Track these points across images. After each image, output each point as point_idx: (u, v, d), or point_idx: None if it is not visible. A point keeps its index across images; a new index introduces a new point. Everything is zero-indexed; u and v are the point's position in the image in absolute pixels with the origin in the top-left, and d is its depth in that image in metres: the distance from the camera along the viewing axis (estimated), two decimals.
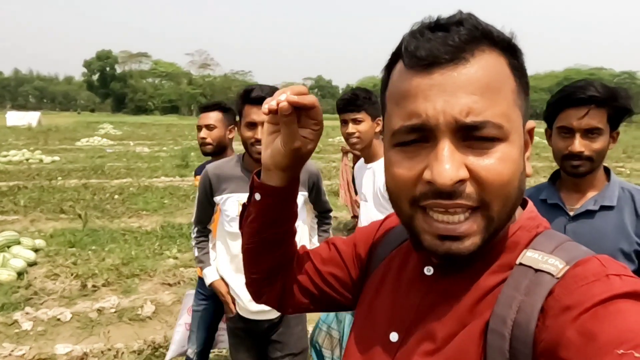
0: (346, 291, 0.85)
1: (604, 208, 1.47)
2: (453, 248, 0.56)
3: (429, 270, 0.67)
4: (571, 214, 1.52)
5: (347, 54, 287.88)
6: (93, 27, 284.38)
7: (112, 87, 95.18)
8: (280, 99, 0.66)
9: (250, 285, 0.90)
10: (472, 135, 0.54)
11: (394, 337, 0.67)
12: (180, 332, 2.66)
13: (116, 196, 8.78)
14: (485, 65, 0.55)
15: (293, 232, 0.85)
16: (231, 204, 1.98)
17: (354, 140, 2.18)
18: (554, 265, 0.55)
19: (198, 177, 2.45)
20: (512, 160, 0.56)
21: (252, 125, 1.87)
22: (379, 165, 2.20)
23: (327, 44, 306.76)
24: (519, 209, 0.66)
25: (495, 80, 0.55)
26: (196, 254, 2.18)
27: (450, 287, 0.63)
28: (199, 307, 2.52)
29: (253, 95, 1.83)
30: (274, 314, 2.03)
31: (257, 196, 0.77)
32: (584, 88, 1.43)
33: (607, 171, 1.55)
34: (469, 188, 0.54)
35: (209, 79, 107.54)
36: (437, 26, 0.56)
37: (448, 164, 0.53)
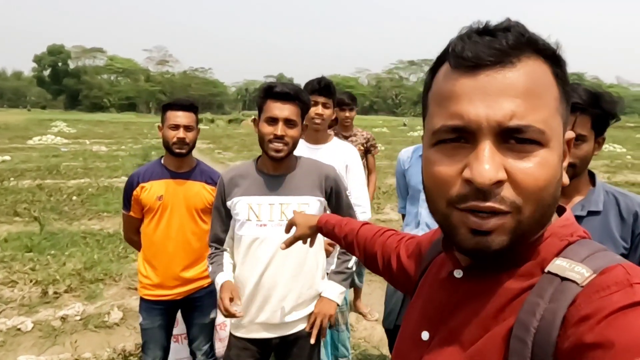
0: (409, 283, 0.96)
1: (591, 213, 1.48)
2: (480, 242, 0.57)
3: (458, 273, 0.69)
4: None
5: (309, 52, 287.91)
6: (43, 19, 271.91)
7: (65, 83, 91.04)
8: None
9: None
10: (513, 138, 0.55)
11: (425, 335, 0.70)
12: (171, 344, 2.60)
13: (74, 197, 8.42)
14: (529, 70, 0.56)
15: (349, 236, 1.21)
16: (242, 207, 1.89)
17: (319, 121, 2.53)
18: (580, 273, 0.55)
19: (144, 185, 2.36)
20: (550, 166, 0.57)
21: (273, 121, 1.81)
22: (324, 148, 2.57)
23: (289, 41, 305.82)
24: (555, 216, 0.66)
25: (539, 86, 0.56)
26: (210, 270, 2.01)
27: (476, 290, 0.65)
28: (154, 323, 2.43)
29: (277, 89, 1.81)
30: (283, 329, 1.93)
31: None
32: None
33: (591, 175, 1.57)
34: (505, 190, 0.55)
35: (168, 75, 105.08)
36: (484, 31, 0.58)
37: (488, 164, 0.54)
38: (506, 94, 0.55)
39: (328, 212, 2.02)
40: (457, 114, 0.57)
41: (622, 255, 1.44)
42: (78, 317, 3.88)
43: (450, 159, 0.58)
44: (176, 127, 2.30)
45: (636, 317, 0.47)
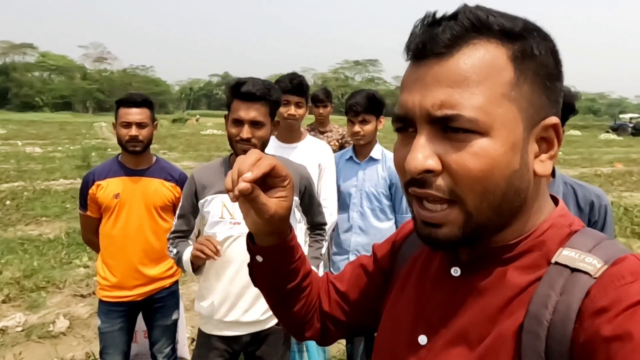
0: (377, 304, 0.84)
1: None
2: (432, 234, 0.59)
3: (455, 271, 0.66)
4: None
5: (254, 50, 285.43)
6: None
7: None
8: (239, 187, 0.66)
9: (291, 330, 0.92)
10: (449, 127, 0.55)
11: (422, 339, 0.66)
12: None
13: (8, 202, 7.85)
14: (469, 59, 0.55)
15: (310, 273, 0.87)
16: (215, 205, 1.83)
17: (291, 121, 2.44)
18: (592, 264, 0.54)
19: (100, 183, 2.27)
20: (488, 155, 0.54)
21: (239, 123, 1.74)
22: (297, 147, 2.48)
23: (233, 40, 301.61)
24: (551, 207, 0.65)
25: (477, 73, 0.55)
26: (173, 254, 1.89)
27: (479, 286, 0.62)
28: (114, 326, 2.32)
29: (243, 90, 1.71)
30: (255, 327, 1.89)
31: (259, 258, 0.79)
32: None
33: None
34: (440, 180, 0.56)
35: (107, 73, 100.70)
36: (432, 21, 0.58)
37: (419, 153, 0.55)
38: (438, 83, 0.55)
39: (297, 213, 1.99)
40: (401, 103, 0.59)
41: None
42: (20, 328, 3.63)
43: (404, 147, 0.60)
44: (128, 124, 2.21)
45: None
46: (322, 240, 2.08)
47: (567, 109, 1.53)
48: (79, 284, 4.53)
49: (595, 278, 0.53)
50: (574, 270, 0.55)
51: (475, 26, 0.56)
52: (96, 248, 2.42)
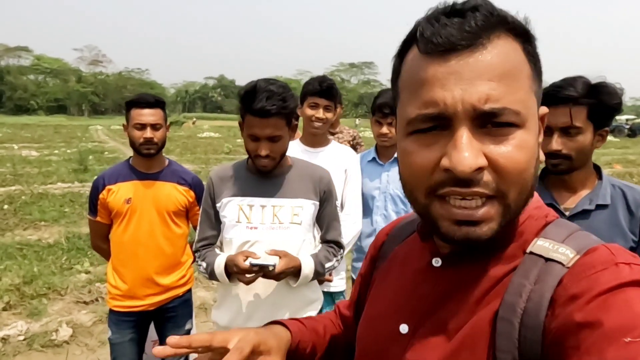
0: None
1: (599, 207, 1.48)
2: (471, 233, 0.56)
3: (437, 262, 0.67)
4: (567, 214, 1.51)
5: (250, 53, 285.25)
6: None
7: None
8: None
9: None
10: (490, 122, 0.54)
11: (404, 328, 0.68)
12: None
13: (5, 206, 7.72)
14: (501, 51, 0.55)
15: (326, 336, 0.91)
16: (231, 208, 1.75)
17: (319, 124, 2.28)
18: (565, 254, 0.56)
19: (110, 188, 2.18)
20: (529, 147, 0.56)
21: (255, 139, 1.66)
22: (322, 152, 2.33)
23: (229, 42, 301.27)
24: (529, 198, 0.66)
25: (512, 67, 0.55)
26: (203, 267, 1.78)
27: (460, 277, 0.64)
28: (125, 337, 2.22)
29: (256, 107, 1.59)
30: None
31: None
32: (561, 87, 1.45)
33: (597, 169, 1.57)
34: (487, 176, 0.54)
35: (101, 77, 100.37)
36: (452, 11, 0.56)
37: (467, 151, 0.53)
38: (479, 77, 0.53)
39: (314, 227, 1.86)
40: (432, 101, 0.55)
41: (631, 248, 1.44)
42: (21, 337, 3.52)
43: (428, 148, 0.57)
44: (142, 126, 2.13)
45: (624, 298, 0.49)
46: (333, 254, 1.85)
47: (607, 107, 1.45)
48: (80, 290, 4.42)
49: (567, 267, 0.55)
50: (547, 260, 0.57)
51: (497, 19, 0.55)
52: (106, 255, 2.33)
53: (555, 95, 1.45)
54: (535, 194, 0.66)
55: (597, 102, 1.43)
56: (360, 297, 0.90)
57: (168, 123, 2.28)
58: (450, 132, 0.55)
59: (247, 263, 1.60)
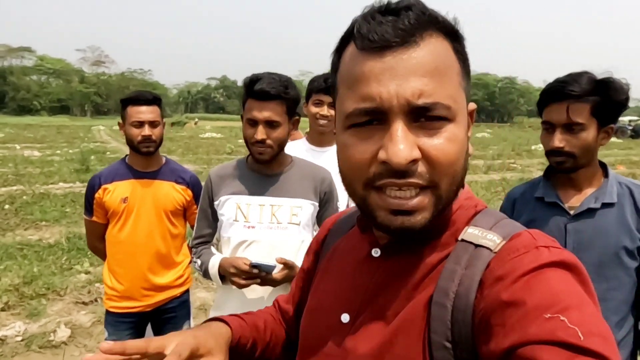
0: None
1: (605, 205, 1.44)
2: (405, 222, 0.58)
3: (376, 252, 0.70)
4: (572, 212, 1.48)
5: (252, 54, 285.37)
6: None
7: None
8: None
9: None
10: (423, 116, 0.57)
11: (345, 318, 0.70)
12: None
13: (7, 206, 7.71)
14: (433, 49, 0.58)
15: (266, 333, 0.90)
16: (229, 206, 1.72)
17: (324, 122, 2.22)
18: (492, 240, 0.60)
19: (107, 187, 2.15)
20: (459, 140, 0.59)
21: (253, 123, 1.64)
22: (329, 151, 2.25)
23: (232, 43, 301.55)
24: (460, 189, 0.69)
25: (443, 64, 0.58)
26: (198, 265, 1.77)
27: (397, 266, 0.67)
28: (122, 339, 2.17)
29: (257, 88, 1.60)
30: None
31: None
32: (565, 82, 1.42)
33: (603, 166, 1.54)
34: (421, 167, 0.57)
35: (104, 77, 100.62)
36: (387, 10, 0.58)
37: (402, 144, 0.55)
38: (413, 73, 0.56)
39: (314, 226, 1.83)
40: (369, 96, 0.57)
41: (638, 248, 1.41)
42: (19, 338, 3.49)
43: (365, 141, 0.59)
44: (140, 124, 2.09)
45: (544, 279, 0.53)
46: None
47: (612, 104, 1.41)
48: (80, 290, 4.40)
49: (495, 252, 0.59)
50: (477, 246, 0.61)
51: (429, 19, 0.58)
52: (102, 255, 2.30)
53: (557, 92, 1.42)
54: (467, 185, 0.70)
55: (601, 98, 1.39)
56: (302, 291, 0.92)
57: (165, 122, 2.24)
58: (386, 126, 0.57)
59: (248, 262, 1.56)
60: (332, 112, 2.22)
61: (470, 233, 0.63)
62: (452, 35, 0.61)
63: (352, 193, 0.64)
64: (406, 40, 0.56)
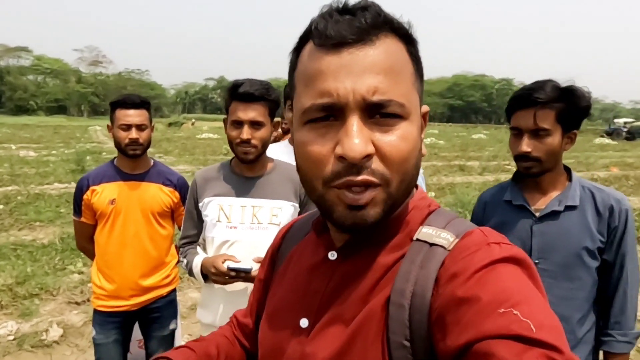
0: None
1: (568, 208, 1.51)
2: (358, 217, 0.59)
3: (332, 255, 0.71)
4: (537, 214, 1.54)
5: (252, 55, 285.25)
6: None
7: None
8: None
9: None
10: (378, 113, 0.58)
11: (304, 323, 0.70)
12: None
13: (1, 206, 7.72)
14: (387, 48, 0.59)
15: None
16: (212, 207, 1.79)
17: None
18: (446, 238, 0.62)
19: (94, 188, 2.20)
20: (411, 138, 0.60)
21: (238, 124, 1.72)
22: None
23: (230, 44, 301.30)
24: (413, 190, 0.71)
25: (397, 63, 0.60)
26: (184, 264, 1.85)
27: (353, 268, 0.67)
28: (109, 337, 2.23)
29: (241, 90, 1.69)
30: None
31: None
32: (532, 89, 1.47)
33: (567, 170, 1.60)
34: (375, 163, 0.58)
35: (102, 77, 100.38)
36: (344, 10, 0.60)
37: (357, 139, 0.56)
38: (369, 70, 0.57)
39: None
40: (325, 91, 0.58)
41: (599, 249, 1.47)
42: (11, 337, 3.53)
43: (322, 137, 0.60)
44: (128, 127, 2.13)
45: (496, 274, 0.54)
46: None
47: (576, 110, 1.47)
48: (73, 291, 4.43)
49: (449, 250, 0.60)
50: (432, 245, 0.62)
51: (384, 20, 0.60)
52: (91, 255, 2.34)
53: (525, 98, 1.48)
54: (420, 187, 0.72)
55: (565, 105, 1.45)
56: (259, 302, 0.90)
57: (153, 124, 2.28)
58: (342, 122, 0.59)
59: (225, 266, 1.63)
60: None
61: (425, 232, 0.64)
62: (406, 37, 0.63)
63: (310, 190, 0.64)
64: (362, 38, 0.58)
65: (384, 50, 0.59)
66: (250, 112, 1.70)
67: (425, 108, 0.69)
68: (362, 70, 0.57)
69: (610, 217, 1.48)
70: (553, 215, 1.52)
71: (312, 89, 0.60)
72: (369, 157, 0.57)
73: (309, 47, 0.62)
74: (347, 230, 0.63)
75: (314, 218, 0.78)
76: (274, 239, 0.93)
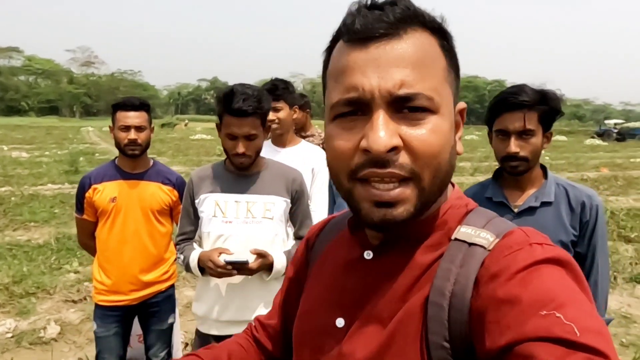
0: None
1: (543, 204, 1.62)
2: (387, 214, 0.58)
3: (368, 255, 0.69)
4: (515, 210, 1.65)
5: (245, 56, 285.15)
6: None
7: None
8: None
9: None
10: (405, 107, 0.57)
11: (340, 322, 0.69)
12: None
13: None
14: (416, 42, 0.59)
15: None
16: (208, 203, 1.89)
17: (274, 126, 2.36)
18: (486, 238, 0.60)
19: (96, 187, 2.28)
20: (442, 132, 0.59)
21: (233, 138, 1.79)
22: (288, 151, 2.45)
23: (222, 44, 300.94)
24: (451, 189, 0.70)
25: (426, 57, 0.59)
26: (181, 260, 1.92)
27: (389, 267, 0.66)
28: (109, 330, 2.31)
29: (235, 107, 1.73)
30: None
31: None
32: (516, 93, 1.57)
33: (543, 169, 1.71)
34: (402, 157, 0.57)
35: (94, 78, 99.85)
36: (373, 5, 0.60)
37: (382, 131, 0.56)
38: (396, 64, 0.57)
39: (287, 226, 1.98)
40: (352, 86, 0.59)
41: (572, 242, 1.58)
42: (9, 335, 3.58)
43: (349, 132, 0.60)
44: (127, 128, 2.22)
45: (539, 275, 0.53)
46: None
47: (554, 112, 1.59)
48: (69, 289, 4.48)
49: (489, 250, 0.59)
50: (471, 244, 0.60)
51: (414, 14, 0.60)
52: (92, 252, 2.42)
53: (511, 102, 1.58)
54: (457, 185, 0.72)
55: (546, 107, 1.56)
56: (288, 300, 0.89)
57: (152, 125, 2.37)
58: (368, 117, 0.58)
59: (221, 260, 1.72)
60: (278, 115, 2.39)
61: (464, 232, 0.62)
62: (438, 31, 0.62)
63: (339, 186, 0.63)
64: (390, 32, 0.57)
65: (412, 43, 0.58)
66: (245, 127, 1.77)
67: (461, 105, 0.67)
68: (389, 64, 0.57)
69: (582, 212, 1.59)
70: (530, 210, 1.62)
71: (340, 84, 0.60)
72: (395, 150, 0.56)
73: (339, 44, 0.63)
74: (376, 228, 0.63)
75: (348, 216, 0.77)
76: (308, 236, 0.90)
